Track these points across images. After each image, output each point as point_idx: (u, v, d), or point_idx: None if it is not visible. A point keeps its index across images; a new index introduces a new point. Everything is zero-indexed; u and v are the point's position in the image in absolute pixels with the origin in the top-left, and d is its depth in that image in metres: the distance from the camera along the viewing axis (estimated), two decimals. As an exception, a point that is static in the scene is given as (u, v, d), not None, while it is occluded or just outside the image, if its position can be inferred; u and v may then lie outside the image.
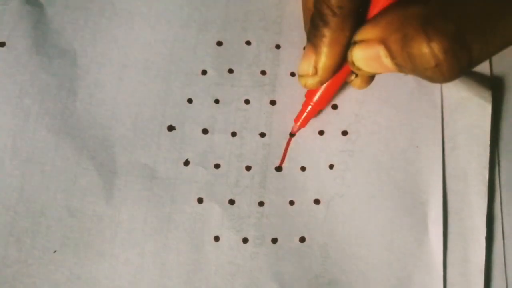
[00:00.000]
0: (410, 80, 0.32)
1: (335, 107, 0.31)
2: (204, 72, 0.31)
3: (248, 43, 0.32)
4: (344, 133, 0.31)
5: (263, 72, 0.32)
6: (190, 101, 0.31)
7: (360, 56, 0.24)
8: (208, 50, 0.32)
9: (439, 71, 0.22)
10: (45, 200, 0.29)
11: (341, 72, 0.26)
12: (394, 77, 0.32)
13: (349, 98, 0.31)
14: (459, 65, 0.22)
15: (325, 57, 0.25)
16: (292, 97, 0.31)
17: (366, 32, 0.23)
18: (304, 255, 0.29)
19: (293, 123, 0.30)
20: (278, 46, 0.32)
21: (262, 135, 0.31)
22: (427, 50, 0.21)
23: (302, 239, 0.29)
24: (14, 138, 0.29)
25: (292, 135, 0.31)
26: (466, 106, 0.31)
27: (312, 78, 0.26)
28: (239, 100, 0.31)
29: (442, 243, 0.29)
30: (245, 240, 0.29)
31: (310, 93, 0.29)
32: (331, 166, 0.30)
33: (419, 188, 0.30)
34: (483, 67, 0.32)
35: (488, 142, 0.31)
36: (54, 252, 0.28)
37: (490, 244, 0.30)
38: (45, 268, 0.28)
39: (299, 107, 0.31)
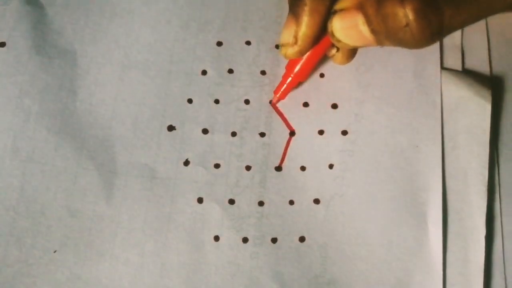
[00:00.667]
0: (410, 80, 0.32)
1: (335, 106, 0.31)
2: (204, 72, 0.31)
3: (248, 43, 0.32)
4: (344, 132, 0.31)
5: (263, 72, 0.32)
6: (190, 101, 0.31)
7: (339, 25, 0.24)
8: (208, 50, 0.32)
9: (410, 32, 0.22)
10: (45, 200, 0.29)
11: (321, 44, 0.27)
12: (394, 77, 0.32)
13: (349, 97, 0.31)
14: (429, 28, 0.22)
15: (305, 26, 0.25)
16: (292, 97, 0.31)
17: (345, 1, 0.24)
18: (304, 255, 0.29)
19: (290, 123, 0.30)
20: (278, 46, 0.32)
21: (262, 135, 0.31)
22: (399, 9, 0.22)
23: (302, 239, 0.29)
24: (14, 138, 0.30)
25: (292, 133, 0.31)
26: (466, 106, 0.31)
27: (292, 48, 0.26)
28: (239, 100, 0.31)
29: (442, 243, 0.29)
30: (245, 240, 0.29)
31: (290, 65, 0.29)
32: (331, 166, 0.30)
33: (419, 187, 0.30)
34: (483, 67, 0.32)
35: (488, 142, 0.30)
36: (54, 252, 0.28)
37: (489, 244, 0.30)
38: (45, 268, 0.28)
39: (299, 107, 0.31)
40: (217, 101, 0.31)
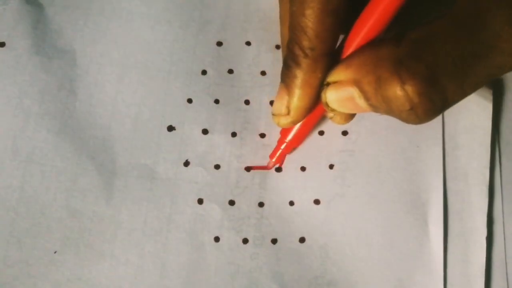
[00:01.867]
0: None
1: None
2: (204, 72, 0.31)
3: (248, 43, 0.32)
4: (344, 133, 0.31)
5: (263, 73, 0.31)
6: (190, 101, 0.31)
7: (333, 97, 0.24)
8: (208, 50, 0.32)
9: (414, 113, 0.22)
10: (45, 200, 0.29)
11: (315, 111, 0.26)
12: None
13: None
14: (434, 108, 0.21)
15: (297, 98, 0.24)
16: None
17: (339, 74, 0.23)
18: (304, 255, 0.29)
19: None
20: (278, 47, 0.32)
21: (262, 135, 0.31)
22: (401, 93, 0.21)
23: (302, 240, 0.29)
24: (14, 139, 0.29)
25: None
26: (467, 106, 0.31)
27: (285, 118, 0.26)
28: (239, 100, 0.31)
29: (443, 243, 0.29)
30: (245, 241, 0.29)
31: (284, 131, 0.29)
32: (331, 166, 0.30)
33: (420, 188, 0.30)
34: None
35: (489, 142, 0.30)
36: (55, 252, 0.28)
37: (490, 244, 0.30)
38: (46, 269, 0.28)
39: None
40: (217, 101, 0.31)
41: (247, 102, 0.31)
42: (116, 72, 0.31)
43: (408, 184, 0.30)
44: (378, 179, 0.30)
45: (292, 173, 0.30)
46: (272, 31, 0.32)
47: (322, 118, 0.31)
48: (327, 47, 0.23)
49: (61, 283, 0.28)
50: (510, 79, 0.32)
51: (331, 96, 0.24)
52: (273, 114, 0.26)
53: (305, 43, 0.23)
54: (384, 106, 0.22)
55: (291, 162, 0.30)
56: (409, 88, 0.21)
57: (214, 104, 0.31)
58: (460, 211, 0.30)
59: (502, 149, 0.31)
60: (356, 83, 0.22)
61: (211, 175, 0.30)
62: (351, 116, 0.28)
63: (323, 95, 0.24)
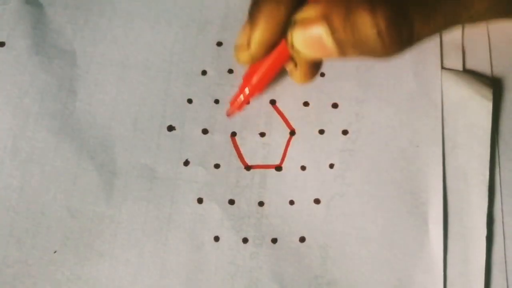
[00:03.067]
0: (411, 80, 0.32)
1: (335, 106, 0.31)
2: (204, 73, 0.31)
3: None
4: (345, 132, 0.31)
5: (263, 72, 0.31)
6: (190, 101, 0.31)
7: (300, 36, 0.23)
8: (208, 51, 0.32)
9: (381, 41, 0.22)
10: (45, 200, 0.29)
11: (279, 55, 0.26)
12: (394, 77, 0.32)
13: (350, 97, 0.31)
14: (400, 37, 0.22)
15: (258, 31, 0.25)
16: (292, 96, 0.31)
17: (307, 10, 0.23)
18: (304, 255, 0.29)
19: (290, 123, 0.30)
20: None
21: (262, 134, 0.31)
22: (370, 18, 0.21)
23: (302, 239, 0.29)
24: (14, 138, 0.30)
25: (292, 133, 0.30)
26: (467, 105, 0.31)
27: (244, 52, 0.26)
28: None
29: (442, 243, 0.29)
30: (245, 240, 0.29)
31: (247, 76, 0.28)
32: (331, 166, 0.30)
33: (419, 187, 0.30)
34: (483, 66, 0.32)
35: (489, 142, 0.30)
36: (54, 252, 0.28)
37: (490, 244, 0.30)
38: (46, 268, 0.28)
39: (299, 106, 0.31)
40: (217, 101, 0.31)
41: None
42: (116, 72, 0.31)
43: (408, 184, 0.30)
44: (378, 178, 0.30)
45: (292, 173, 0.30)
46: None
47: (322, 118, 0.31)
48: None
49: (61, 283, 0.28)
50: (510, 79, 0.32)
51: (297, 35, 0.24)
52: (235, 47, 0.26)
53: None
54: (351, 37, 0.22)
55: (291, 161, 0.30)
56: (379, 14, 0.21)
57: (214, 104, 0.31)
58: (460, 211, 0.30)
59: (502, 148, 0.31)
60: (325, 18, 0.22)
61: (211, 174, 0.30)
62: (312, 71, 0.28)
63: (289, 35, 0.24)
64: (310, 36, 0.23)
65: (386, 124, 0.31)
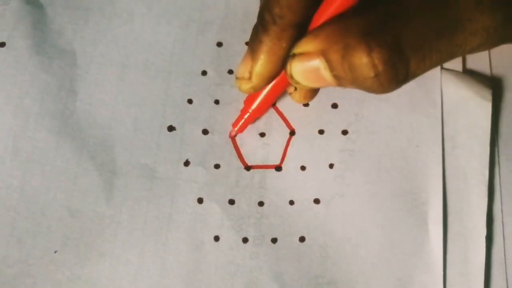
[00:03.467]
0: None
1: (335, 106, 0.31)
2: (204, 73, 0.31)
3: (248, 44, 0.32)
4: (344, 132, 0.31)
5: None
6: (190, 101, 0.31)
7: (298, 69, 0.24)
8: (208, 51, 0.32)
9: (378, 81, 0.22)
10: (46, 200, 0.29)
11: (280, 82, 0.27)
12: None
13: (349, 97, 0.31)
14: (397, 77, 0.22)
15: (260, 64, 0.25)
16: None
17: (305, 44, 0.23)
18: (304, 255, 0.29)
19: (290, 123, 0.30)
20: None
21: (262, 135, 0.31)
22: (367, 60, 0.22)
23: (302, 239, 0.29)
24: (14, 138, 0.30)
25: (292, 133, 0.31)
26: (466, 106, 0.31)
27: (246, 83, 0.26)
28: (239, 100, 0.31)
29: (442, 243, 0.29)
30: (245, 240, 0.29)
31: (248, 100, 0.29)
32: (331, 166, 0.30)
33: (419, 187, 0.30)
34: (483, 66, 0.32)
35: (489, 142, 0.30)
36: (55, 252, 0.28)
37: (490, 244, 0.30)
38: (46, 268, 0.28)
39: (299, 107, 0.31)
40: (217, 102, 0.31)
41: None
42: (117, 72, 0.31)
43: (408, 184, 0.30)
44: (378, 178, 0.30)
45: (292, 173, 0.30)
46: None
47: (322, 118, 0.31)
48: (296, 18, 0.24)
49: (61, 283, 0.28)
50: (510, 78, 0.32)
51: (296, 67, 0.24)
52: (236, 78, 0.27)
53: (276, 11, 0.23)
54: (349, 75, 0.23)
55: (291, 161, 0.30)
56: (375, 55, 0.22)
57: (214, 104, 0.31)
58: (460, 211, 0.30)
59: (501, 148, 0.31)
60: (323, 53, 0.23)
61: (211, 174, 0.30)
62: (311, 94, 0.29)
63: (288, 66, 0.24)
64: (308, 69, 0.24)
65: (386, 124, 0.31)
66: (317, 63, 0.23)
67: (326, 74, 0.23)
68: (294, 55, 0.24)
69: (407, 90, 0.31)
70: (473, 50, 0.25)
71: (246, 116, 0.29)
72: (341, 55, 0.22)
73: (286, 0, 0.23)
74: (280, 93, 0.28)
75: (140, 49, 0.32)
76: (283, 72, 0.26)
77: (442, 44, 0.23)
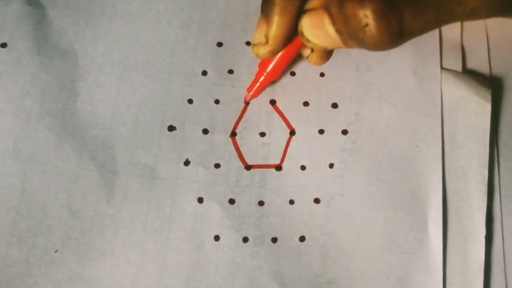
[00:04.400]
0: (410, 80, 0.32)
1: (335, 106, 0.31)
2: (204, 73, 0.32)
3: (248, 43, 0.32)
4: (344, 132, 0.31)
5: (263, 73, 0.32)
6: (190, 101, 0.31)
7: (307, 25, 0.24)
8: (208, 51, 0.32)
9: (369, 32, 0.22)
10: (46, 200, 0.29)
11: (293, 44, 0.27)
12: (394, 77, 0.32)
13: (349, 97, 0.31)
14: (389, 29, 0.22)
15: (275, 26, 0.25)
16: (292, 96, 0.31)
17: (314, 1, 0.24)
18: (304, 254, 0.29)
19: (290, 123, 0.30)
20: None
21: (262, 134, 0.31)
22: (359, 9, 0.22)
23: (302, 239, 0.29)
24: (15, 138, 0.30)
25: (292, 133, 0.31)
26: (466, 106, 0.31)
27: (263, 48, 0.27)
28: (239, 100, 0.31)
29: (442, 243, 0.29)
30: (245, 240, 0.29)
31: (263, 64, 0.29)
32: (331, 165, 0.30)
33: (419, 187, 0.30)
34: (482, 66, 0.32)
35: (488, 142, 0.31)
36: (56, 251, 0.28)
37: (489, 244, 0.30)
38: (47, 268, 0.28)
39: (299, 106, 0.31)
40: (217, 102, 0.31)
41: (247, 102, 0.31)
42: (117, 72, 0.31)
43: (408, 184, 0.30)
44: (378, 178, 0.30)
45: (292, 172, 0.30)
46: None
47: (322, 118, 0.31)
48: None
49: (62, 282, 0.28)
50: (510, 78, 0.32)
51: (305, 23, 0.25)
52: (252, 45, 0.27)
53: None
54: (345, 28, 0.23)
55: (291, 161, 0.30)
56: (367, 5, 0.22)
57: (215, 104, 0.31)
58: (459, 211, 0.30)
59: (501, 148, 0.31)
60: (326, 7, 0.23)
61: (211, 174, 0.30)
62: (327, 55, 0.29)
63: (299, 23, 0.25)
64: (315, 25, 0.24)
65: (386, 124, 0.31)
66: (323, 18, 0.24)
67: (330, 28, 0.24)
68: (304, 12, 0.24)
69: (407, 89, 0.31)
70: (475, 14, 0.24)
71: (261, 79, 0.30)
72: (338, 8, 0.23)
73: None
74: (294, 55, 0.28)
75: (141, 49, 0.32)
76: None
77: (438, 1, 0.23)
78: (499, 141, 0.31)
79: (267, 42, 0.26)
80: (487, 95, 0.31)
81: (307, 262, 0.29)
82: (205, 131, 0.31)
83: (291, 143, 0.31)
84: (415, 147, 0.31)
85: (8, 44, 0.31)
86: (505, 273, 0.30)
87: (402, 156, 0.31)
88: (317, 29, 0.24)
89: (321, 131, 0.31)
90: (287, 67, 0.30)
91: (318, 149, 0.31)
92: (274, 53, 0.27)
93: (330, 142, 0.31)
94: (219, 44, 0.32)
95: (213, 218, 0.29)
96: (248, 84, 0.31)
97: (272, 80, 0.30)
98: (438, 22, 0.24)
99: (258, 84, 0.30)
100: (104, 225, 0.29)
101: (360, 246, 0.29)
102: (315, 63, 0.29)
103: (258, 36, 0.26)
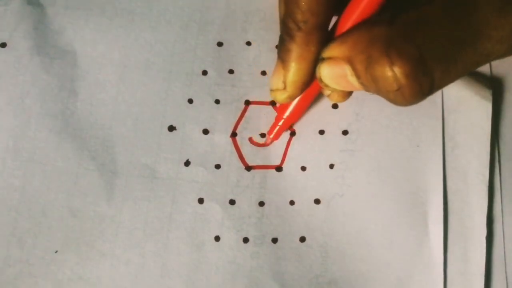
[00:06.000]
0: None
1: (335, 106, 0.31)
2: (204, 73, 0.32)
3: (248, 43, 0.32)
4: (345, 132, 0.31)
5: (264, 73, 0.32)
6: (190, 101, 0.31)
7: (327, 73, 0.24)
8: (209, 51, 0.32)
9: (401, 94, 0.22)
10: (47, 200, 0.29)
11: (312, 87, 0.27)
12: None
13: (350, 97, 0.31)
14: (421, 90, 0.22)
15: (292, 72, 0.25)
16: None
17: (333, 50, 0.23)
18: (304, 254, 0.29)
19: (289, 124, 0.30)
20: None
21: (262, 135, 0.31)
22: (390, 73, 0.21)
23: (302, 239, 0.29)
24: (15, 139, 0.30)
25: (293, 133, 0.31)
26: (467, 106, 0.31)
27: (281, 93, 0.26)
28: (239, 100, 0.31)
29: (442, 243, 0.29)
30: (245, 240, 0.29)
31: (282, 108, 0.29)
32: (331, 166, 0.30)
33: (419, 187, 0.30)
34: (483, 67, 0.32)
35: (489, 142, 0.31)
36: (56, 252, 0.29)
37: (490, 244, 0.30)
38: (47, 268, 0.28)
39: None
40: (217, 102, 0.31)
41: (247, 102, 0.31)
42: (117, 72, 0.31)
43: (408, 184, 0.30)
44: (378, 178, 0.30)
45: (293, 173, 0.30)
46: (272, 31, 0.32)
47: (322, 118, 0.31)
48: (319, 20, 0.23)
49: (62, 283, 0.28)
50: (510, 78, 0.32)
51: (324, 71, 0.24)
52: (270, 90, 0.27)
53: (298, 16, 0.23)
54: (373, 86, 0.23)
55: (292, 161, 0.30)
56: (397, 69, 0.21)
57: (215, 104, 0.31)
58: (460, 211, 0.30)
59: (502, 148, 0.31)
60: (349, 61, 0.23)
61: (211, 174, 0.30)
62: (347, 93, 0.28)
63: (317, 70, 0.24)
64: (336, 74, 0.24)
65: (386, 124, 0.31)
66: (344, 68, 0.23)
67: (353, 80, 0.23)
68: (323, 59, 0.24)
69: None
70: (500, 57, 0.24)
71: (280, 123, 0.30)
72: (364, 66, 0.22)
73: (306, 4, 0.23)
74: (312, 98, 0.28)
75: (141, 49, 0.32)
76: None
77: (467, 54, 0.22)
78: (500, 141, 0.31)
79: (285, 88, 0.26)
80: (488, 95, 0.31)
81: (307, 263, 0.29)
82: (205, 131, 0.31)
83: (291, 143, 0.31)
84: (415, 147, 0.31)
85: (7, 44, 0.31)
86: (506, 273, 0.30)
87: (403, 156, 0.30)
88: (338, 78, 0.24)
89: (322, 132, 0.31)
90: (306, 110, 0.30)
91: (319, 149, 0.31)
92: (292, 98, 0.27)
93: (331, 142, 0.31)
94: (219, 44, 0.32)
95: (214, 219, 0.29)
96: (248, 84, 0.31)
97: (292, 123, 0.30)
98: (465, 72, 0.23)
99: (277, 127, 0.30)
100: (104, 225, 0.29)
101: (360, 246, 0.29)
102: (337, 101, 0.29)
103: (275, 82, 0.26)
